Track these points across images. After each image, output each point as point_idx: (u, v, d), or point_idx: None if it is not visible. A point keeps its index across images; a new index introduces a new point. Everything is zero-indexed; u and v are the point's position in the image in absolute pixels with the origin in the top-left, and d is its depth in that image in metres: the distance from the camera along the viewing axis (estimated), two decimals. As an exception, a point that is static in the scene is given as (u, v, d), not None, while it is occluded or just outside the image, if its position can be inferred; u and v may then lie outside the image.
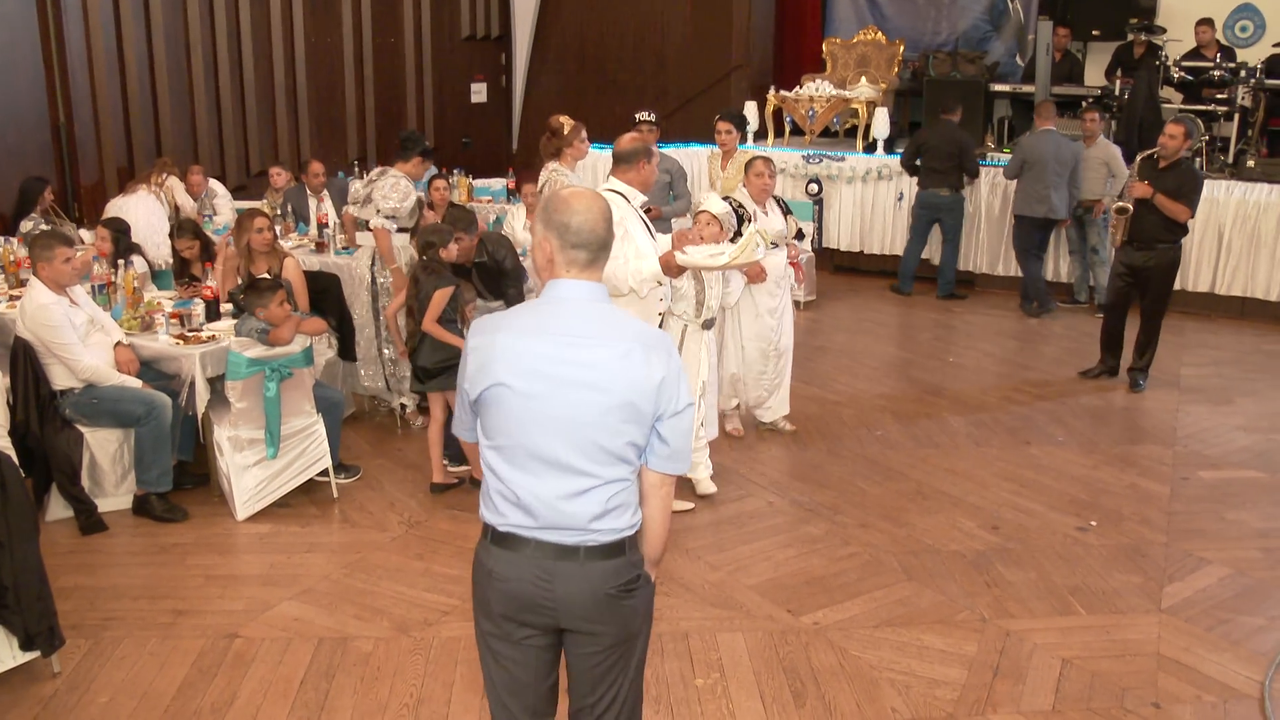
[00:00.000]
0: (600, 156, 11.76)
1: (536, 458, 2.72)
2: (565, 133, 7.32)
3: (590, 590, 2.77)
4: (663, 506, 2.88)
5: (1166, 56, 11.20)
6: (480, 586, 2.88)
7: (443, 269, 6.09)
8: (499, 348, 2.74)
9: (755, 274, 6.38)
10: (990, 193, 10.76)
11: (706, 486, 6.09)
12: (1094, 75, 12.47)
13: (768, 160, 6.66)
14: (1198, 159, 10.23)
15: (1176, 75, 11.12)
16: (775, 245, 6.58)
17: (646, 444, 2.79)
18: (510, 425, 2.73)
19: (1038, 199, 9.72)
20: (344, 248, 8.35)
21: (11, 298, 6.73)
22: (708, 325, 5.92)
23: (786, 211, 6.83)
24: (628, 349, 2.72)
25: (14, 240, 7.79)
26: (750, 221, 6.37)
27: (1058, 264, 10.64)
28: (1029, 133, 10.30)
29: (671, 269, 5.02)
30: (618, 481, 2.77)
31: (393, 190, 6.76)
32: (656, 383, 2.73)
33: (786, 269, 6.75)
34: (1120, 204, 7.54)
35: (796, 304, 9.41)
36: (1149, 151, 7.66)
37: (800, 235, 6.96)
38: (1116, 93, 11.21)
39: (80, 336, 5.63)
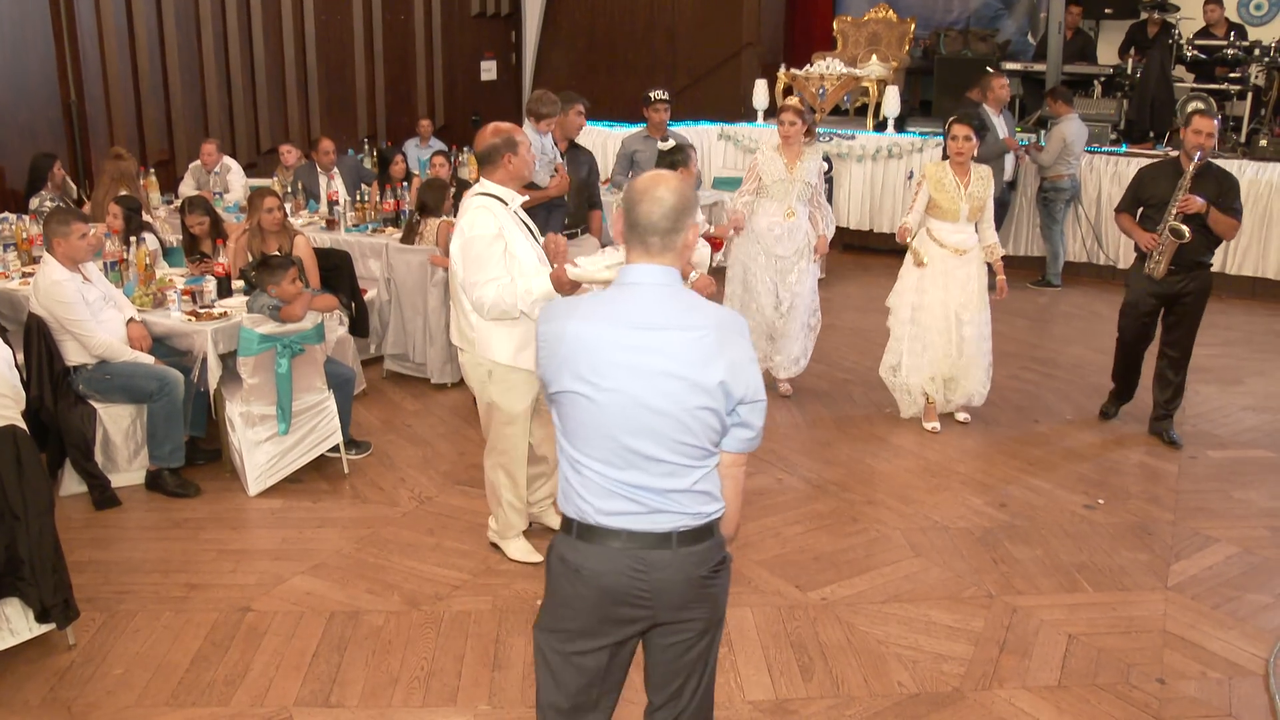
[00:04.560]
0: (609, 134, 11.76)
1: (625, 451, 2.66)
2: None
3: (684, 577, 2.74)
4: (737, 485, 2.85)
5: (1180, 35, 11.14)
6: (565, 584, 2.77)
7: None
8: (570, 338, 2.67)
9: (722, 231, 6.57)
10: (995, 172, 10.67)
11: None
12: (1106, 54, 12.41)
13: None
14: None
15: (1190, 54, 11.06)
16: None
17: (724, 428, 2.72)
18: (591, 430, 2.67)
19: None
20: (354, 225, 8.36)
21: (24, 275, 6.77)
22: None
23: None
24: (701, 334, 2.66)
25: (26, 218, 7.81)
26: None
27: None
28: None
29: (564, 286, 4.49)
30: (702, 467, 2.73)
31: None
32: (731, 365, 2.66)
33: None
34: (1175, 225, 6.15)
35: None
36: (1170, 156, 6.72)
37: None
38: (1129, 71, 11.15)
39: (93, 313, 5.66)
